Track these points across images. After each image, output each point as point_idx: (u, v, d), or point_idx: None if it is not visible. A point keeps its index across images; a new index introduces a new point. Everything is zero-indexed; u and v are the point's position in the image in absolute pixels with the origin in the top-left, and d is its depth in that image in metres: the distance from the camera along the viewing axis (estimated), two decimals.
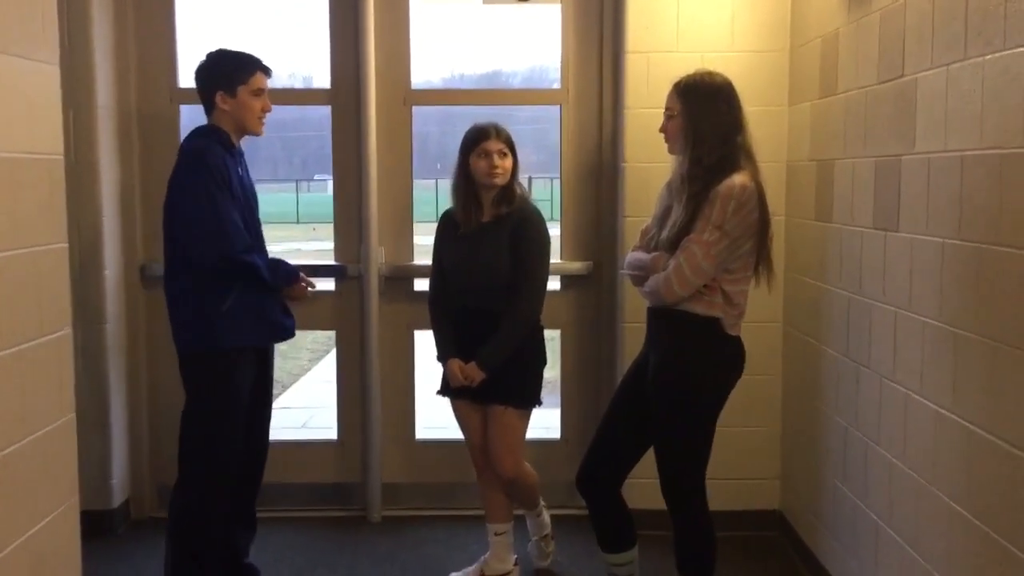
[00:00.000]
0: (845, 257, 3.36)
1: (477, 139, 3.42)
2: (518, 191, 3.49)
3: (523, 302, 3.42)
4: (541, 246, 3.47)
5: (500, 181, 3.42)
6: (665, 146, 3.05)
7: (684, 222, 2.85)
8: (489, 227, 3.45)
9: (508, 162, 3.43)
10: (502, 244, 3.42)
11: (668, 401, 2.95)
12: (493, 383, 3.44)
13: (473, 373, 3.43)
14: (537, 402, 3.53)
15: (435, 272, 3.61)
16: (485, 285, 3.43)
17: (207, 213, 3.19)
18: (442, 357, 3.55)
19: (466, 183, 3.47)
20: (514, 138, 3.49)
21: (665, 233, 2.92)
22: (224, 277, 3.25)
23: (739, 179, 2.82)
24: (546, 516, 3.75)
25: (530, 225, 3.45)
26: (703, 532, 3.02)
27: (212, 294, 3.26)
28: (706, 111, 2.90)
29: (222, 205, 3.20)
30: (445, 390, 3.59)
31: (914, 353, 2.80)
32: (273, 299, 3.40)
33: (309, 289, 3.54)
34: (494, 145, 3.40)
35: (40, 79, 2.53)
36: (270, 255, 3.50)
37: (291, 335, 3.54)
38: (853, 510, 3.30)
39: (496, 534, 3.64)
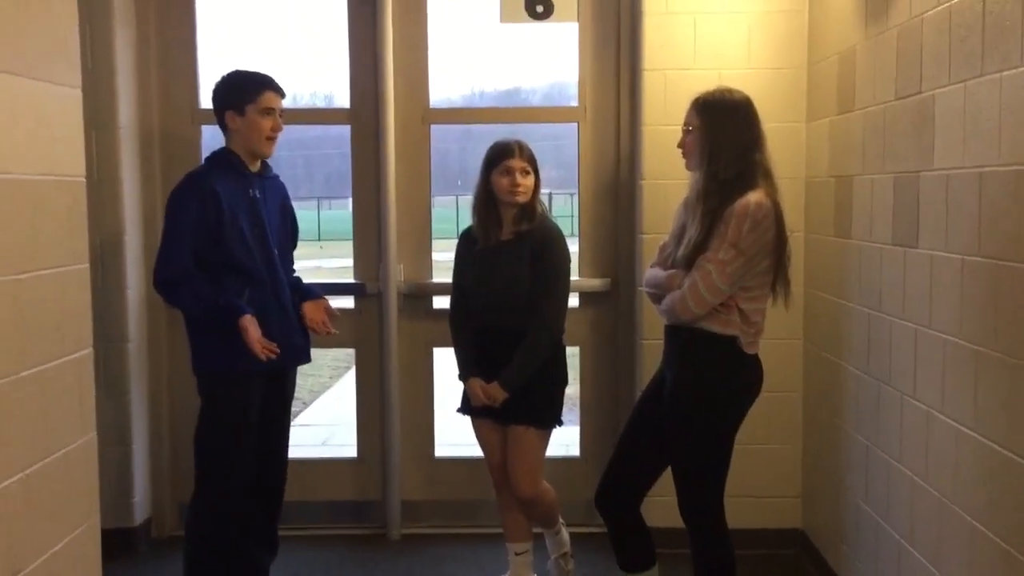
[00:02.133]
0: (864, 274, 3.34)
1: (500, 156, 3.42)
2: (539, 209, 3.49)
3: (545, 321, 3.42)
4: (563, 265, 3.47)
5: (522, 199, 3.42)
6: (683, 163, 3.05)
7: (699, 239, 2.85)
8: (509, 244, 3.46)
9: (530, 180, 3.43)
10: (523, 262, 3.42)
11: (685, 420, 2.94)
12: (514, 403, 3.43)
13: (496, 393, 3.42)
14: (558, 422, 3.52)
15: (455, 290, 3.62)
16: (505, 303, 3.43)
17: (163, 238, 3.28)
18: (463, 376, 3.55)
19: (487, 199, 3.47)
20: (536, 161, 3.48)
21: (681, 250, 2.92)
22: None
23: (755, 197, 2.82)
24: (565, 534, 3.74)
25: (552, 244, 3.44)
26: (722, 550, 3.00)
27: (207, 322, 3.29)
28: (724, 127, 2.90)
29: (173, 232, 3.24)
30: (465, 408, 3.59)
31: (935, 370, 2.78)
32: (287, 321, 3.39)
33: (325, 324, 3.46)
34: (517, 163, 3.40)
35: (63, 103, 2.57)
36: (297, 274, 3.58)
37: (304, 359, 3.54)
38: (875, 529, 3.27)
39: (516, 553, 3.63)
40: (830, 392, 3.73)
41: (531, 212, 3.45)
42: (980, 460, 2.50)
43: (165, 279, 3.27)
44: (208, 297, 3.24)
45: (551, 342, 3.45)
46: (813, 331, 3.96)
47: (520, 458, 3.48)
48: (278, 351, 3.25)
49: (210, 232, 3.24)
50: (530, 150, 3.46)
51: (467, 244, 3.58)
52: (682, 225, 2.99)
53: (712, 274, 2.80)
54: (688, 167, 3.03)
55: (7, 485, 2.28)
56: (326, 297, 3.57)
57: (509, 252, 3.44)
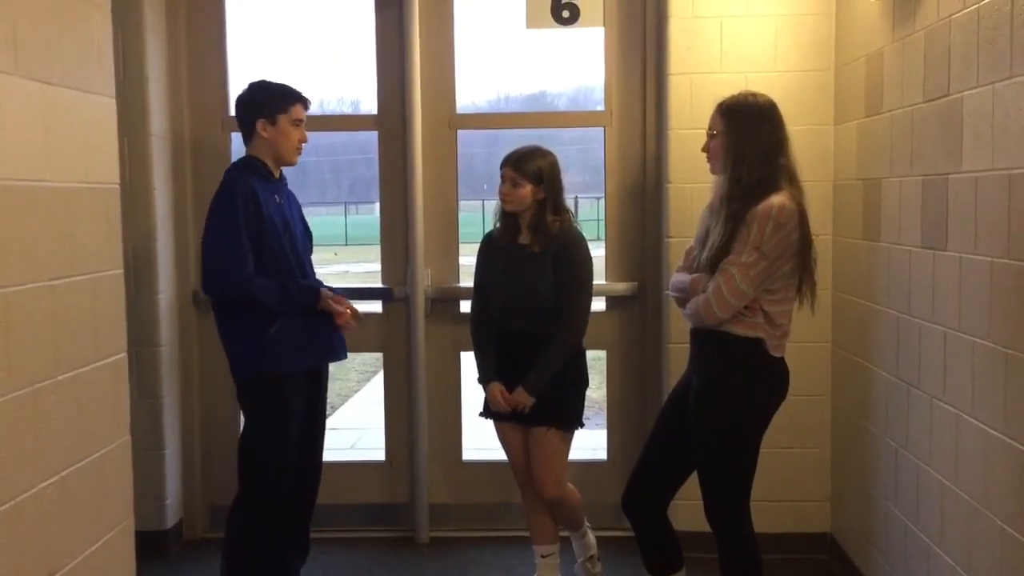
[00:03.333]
0: (893, 276, 3.33)
1: (501, 165, 3.49)
2: (553, 224, 3.44)
3: (569, 324, 3.43)
4: (585, 270, 3.48)
5: (509, 208, 3.46)
6: (708, 167, 3.06)
7: (722, 242, 2.85)
8: (529, 250, 3.48)
9: (520, 191, 3.41)
10: (545, 267, 3.43)
11: (711, 423, 2.94)
12: (536, 405, 3.45)
13: (522, 399, 3.44)
14: (579, 424, 3.54)
15: (476, 294, 3.64)
16: (526, 307, 3.45)
17: (214, 244, 3.30)
18: (483, 380, 3.57)
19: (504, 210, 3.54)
20: (560, 161, 3.48)
21: (705, 253, 2.93)
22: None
23: (778, 200, 2.82)
24: (591, 537, 3.74)
25: (573, 249, 3.45)
26: (748, 554, 2.99)
27: (257, 319, 3.33)
28: (748, 131, 2.90)
29: (229, 238, 3.25)
30: (487, 412, 3.61)
31: (964, 373, 2.76)
32: (322, 320, 3.44)
33: (352, 319, 3.50)
34: (505, 172, 3.45)
35: (97, 111, 2.61)
36: (321, 278, 3.60)
37: (342, 356, 3.59)
38: (904, 532, 3.25)
39: (542, 556, 3.63)
40: (859, 395, 3.72)
41: (543, 226, 3.43)
42: (1010, 463, 2.49)
43: (235, 281, 3.27)
44: (277, 287, 3.32)
45: (574, 346, 3.47)
46: (842, 334, 3.94)
47: (543, 459, 3.49)
48: (358, 316, 3.47)
49: (252, 233, 3.30)
50: (531, 164, 3.40)
51: (488, 248, 3.60)
52: (707, 228, 3.00)
53: (735, 277, 2.80)
54: (712, 171, 3.03)
55: (44, 487, 2.32)
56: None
57: (530, 257, 3.46)
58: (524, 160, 3.42)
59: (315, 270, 3.64)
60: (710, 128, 3.02)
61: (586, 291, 3.49)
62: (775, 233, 2.79)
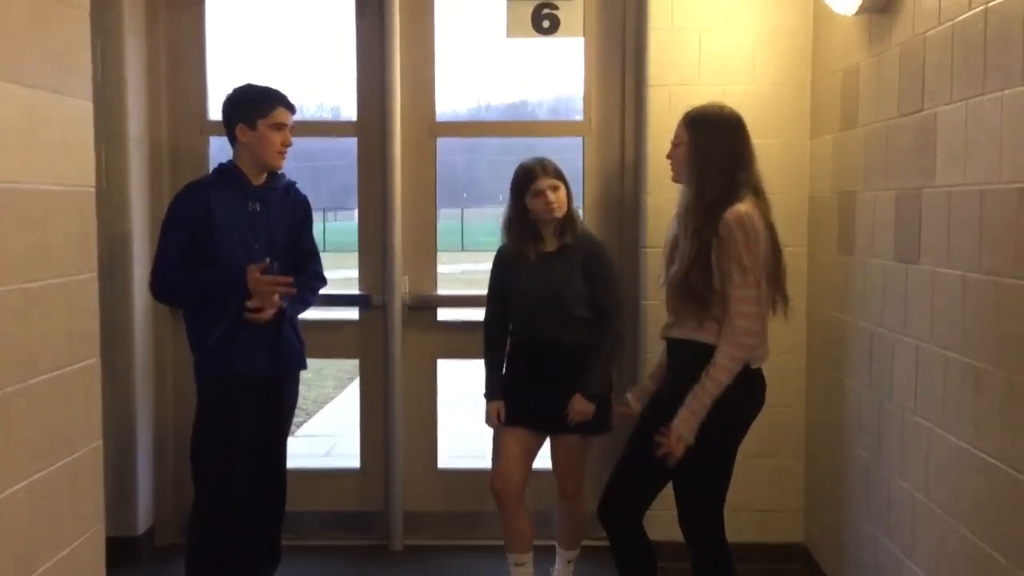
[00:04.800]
0: (867, 289, 3.36)
1: (527, 180, 3.48)
2: (578, 217, 3.58)
3: (613, 327, 3.52)
4: (615, 271, 3.63)
5: (559, 213, 3.48)
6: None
7: (692, 256, 2.86)
8: (557, 256, 3.51)
9: (562, 193, 3.48)
10: (574, 272, 3.48)
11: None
12: (562, 415, 3.48)
13: (584, 407, 3.47)
14: (608, 427, 3.59)
15: (494, 304, 3.65)
16: (555, 313, 3.47)
17: (157, 247, 3.42)
18: (490, 396, 3.60)
19: (521, 220, 3.53)
20: (563, 175, 3.53)
21: (675, 267, 2.93)
22: (203, 307, 3.37)
23: (743, 207, 2.83)
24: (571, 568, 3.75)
25: (602, 252, 3.57)
26: (722, 563, 3.01)
27: (203, 324, 3.36)
28: (712, 144, 2.92)
29: (164, 242, 3.36)
30: (510, 420, 3.57)
31: (936, 386, 2.79)
32: (270, 330, 3.39)
33: (270, 301, 3.32)
34: (544, 182, 3.45)
35: (73, 113, 2.59)
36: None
37: (300, 364, 3.55)
38: (876, 544, 3.28)
39: (516, 564, 3.63)
40: (832, 407, 3.74)
41: (572, 223, 3.53)
42: (981, 475, 2.51)
43: (160, 288, 3.41)
44: (204, 276, 3.33)
45: (622, 348, 3.64)
46: (815, 346, 3.97)
47: (574, 463, 3.59)
48: (291, 288, 3.34)
49: (198, 240, 3.31)
50: (554, 165, 3.52)
51: (507, 259, 3.61)
52: (674, 238, 3.01)
53: (739, 326, 2.81)
54: (674, 179, 3.07)
55: (14, 491, 2.29)
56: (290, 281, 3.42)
57: (559, 262, 3.50)
58: (552, 164, 3.51)
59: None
60: (675, 136, 3.04)
61: (621, 294, 3.62)
62: (750, 241, 2.80)
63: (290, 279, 3.37)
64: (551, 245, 3.53)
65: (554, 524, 3.77)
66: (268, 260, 3.33)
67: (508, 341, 3.64)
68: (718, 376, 2.83)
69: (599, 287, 3.50)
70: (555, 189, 3.46)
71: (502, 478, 3.59)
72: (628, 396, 3.35)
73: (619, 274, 3.65)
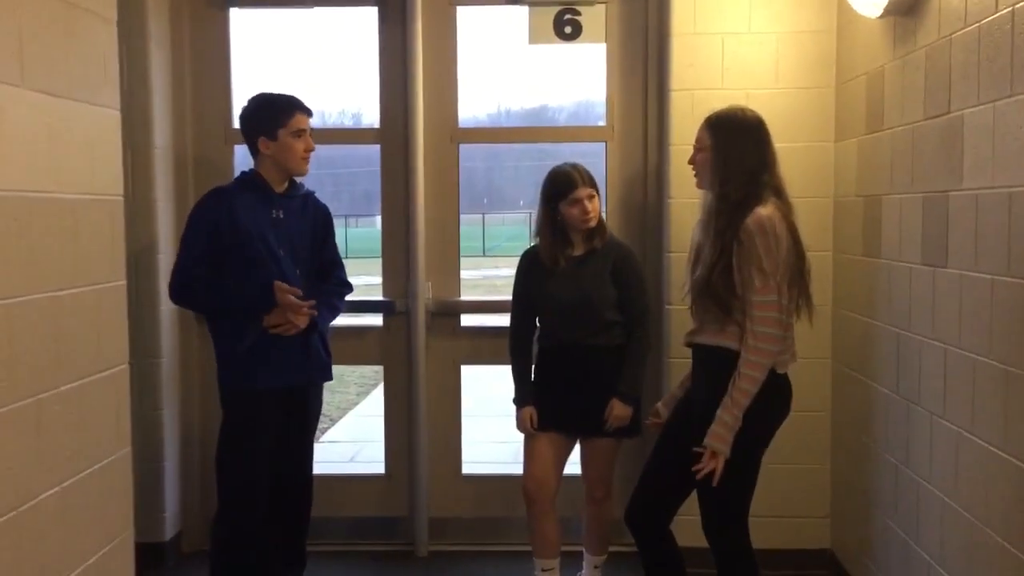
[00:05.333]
0: (894, 293, 3.34)
1: (565, 189, 3.48)
2: (605, 222, 3.62)
3: (647, 330, 3.58)
4: (643, 276, 3.67)
5: (593, 223, 3.51)
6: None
7: (714, 260, 2.85)
8: (586, 260, 3.53)
9: (596, 202, 3.52)
10: (605, 276, 3.50)
11: None
12: (594, 419, 3.50)
13: (622, 412, 3.48)
14: (640, 430, 3.60)
15: (520, 311, 3.65)
16: (586, 317, 3.48)
17: (178, 251, 3.44)
18: (520, 402, 3.59)
19: (552, 226, 3.54)
20: (596, 183, 3.56)
21: (699, 271, 2.92)
22: (233, 317, 3.37)
23: (764, 211, 2.82)
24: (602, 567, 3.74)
25: (632, 257, 3.61)
26: (748, 570, 2.99)
27: (230, 335, 3.37)
28: (735, 146, 2.92)
29: (186, 245, 3.39)
30: (541, 425, 3.57)
31: (965, 390, 2.77)
32: (298, 339, 3.39)
33: (296, 318, 3.34)
34: (583, 192, 3.47)
35: (102, 123, 2.63)
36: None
37: (319, 378, 3.54)
38: (904, 549, 3.25)
39: (544, 570, 3.63)
40: (859, 412, 3.72)
41: (602, 228, 3.57)
42: (1010, 480, 2.49)
43: (177, 289, 3.40)
44: (228, 284, 3.33)
45: (652, 349, 3.68)
46: (842, 351, 3.95)
47: (605, 467, 3.61)
48: (314, 311, 3.34)
49: (225, 246, 3.32)
50: (588, 172, 3.54)
51: (534, 264, 3.61)
52: (698, 246, 3.01)
53: (760, 332, 2.80)
54: (698, 185, 3.06)
55: (44, 498, 2.32)
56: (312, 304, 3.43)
57: (590, 267, 3.51)
58: (587, 172, 3.53)
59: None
60: (697, 141, 3.03)
61: (648, 295, 3.65)
62: (770, 246, 2.79)
63: (313, 302, 3.38)
64: (579, 249, 3.55)
65: (580, 530, 3.77)
66: (298, 291, 3.35)
67: (535, 346, 3.64)
68: (744, 386, 2.82)
69: (630, 290, 3.52)
70: (591, 198, 3.48)
71: (535, 481, 3.58)
72: (658, 406, 3.34)
73: (644, 279, 3.67)
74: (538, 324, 3.65)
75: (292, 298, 3.31)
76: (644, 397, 4.31)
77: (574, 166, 3.53)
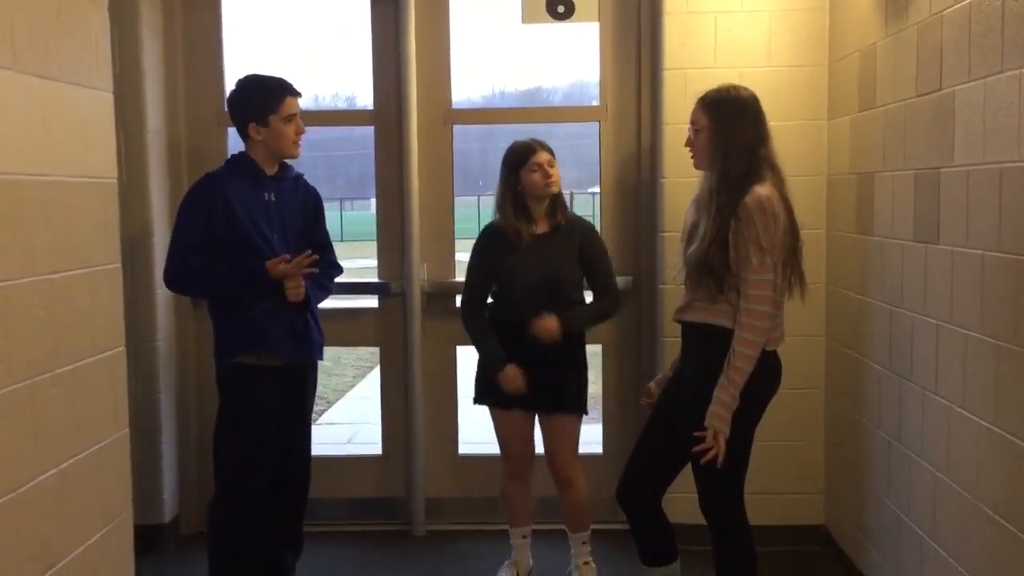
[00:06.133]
0: (886, 270, 3.35)
1: (524, 156, 3.51)
2: (566, 200, 3.64)
3: (613, 297, 3.62)
4: (606, 250, 3.69)
5: (556, 188, 3.53)
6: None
7: (713, 235, 2.86)
8: (550, 237, 3.54)
9: (557, 169, 3.54)
10: (571, 256, 3.53)
11: (704, 415, 2.95)
12: (554, 394, 3.54)
13: (551, 324, 3.43)
14: (586, 409, 3.64)
15: (475, 286, 3.64)
16: (552, 296, 3.49)
17: (171, 238, 3.40)
18: (497, 366, 3.53)
19: (514, 199, 3.54)
20: (555, 154, 3.61)
21: (694, 246, 2.94)
22: (224, 294, 3.38)
23: (764, 190, 2.83)
24: (590, 543, 3.75)
25: (596, 236, 3.65)
26: (742, 545, 3.02)
27: (228, 311, 3.37)
28: (733, 125, 2.92)
29: (180, 232, 3.36)
30: (484, 398, 3.63)
31: (956, 366, 2.79)
32: (297, 317, 3.42)
33: (293, 276, 3.32)
34: (543, 156, 3.51)
35: (95, 106, 2.63)
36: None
37: (317, 355, 3.56)
38: (897, 524, 3.28)
39: (524, 536, 3.77)
40: (852, 388, 3.74)
41: (562, 204, 3.61)
42: (1001, 454, 2.51)
43: (173, 278, 3.39)
44: (222, 271, 3.32)
45: (611, 315, 3.70)
46: (835, 327, 3.97)
47: (565, 443, 3.62)
48: (313, 257, 3.32)
49: (218, 233, 3.31)
50: (547, 144, 3.59)
51: (497, 239, 3.58)
52: (693, 223, 3.02)
53: (754, 310, 2.81)
54: (696, 166, 3.06)
55: (43, 480, 2.33)
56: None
57: (556, 246, 3.53)
58: (546, 143, 3.56)
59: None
60: (693, 122, 3.03)
61: (613, 271, 3.69)
62: (770, 224, 2.81)
63: (309, 251, 3.35)
64: (543, 226, 3.55)
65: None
66: (285, 256, 3.33)
67: (490, 319, 3.63)
68: (739, 364, 2.83)
69: (599, 266, 3.58)
70: (551, 164, 3.51)
71: (523, 460, 3.67)
72: (650, 385, 3.36)
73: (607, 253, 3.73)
74: (491, 298, 3.66)
75: (284, 266, 3.28)
76: (637, 380, 4.35)
77: (531, 138, 3.58)
